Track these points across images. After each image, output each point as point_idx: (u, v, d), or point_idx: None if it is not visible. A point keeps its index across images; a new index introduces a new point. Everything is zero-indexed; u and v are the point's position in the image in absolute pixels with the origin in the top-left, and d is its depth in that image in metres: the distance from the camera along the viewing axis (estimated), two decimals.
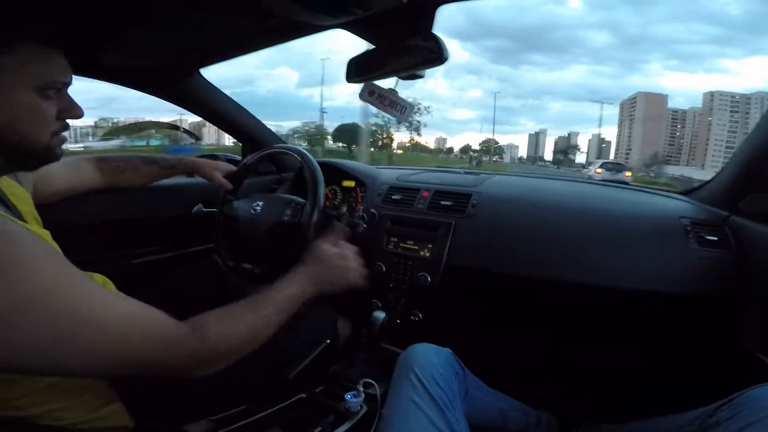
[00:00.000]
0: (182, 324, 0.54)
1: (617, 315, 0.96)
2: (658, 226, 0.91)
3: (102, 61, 1.05)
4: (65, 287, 0.44)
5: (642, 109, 77.51)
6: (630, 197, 1.08)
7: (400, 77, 0.93)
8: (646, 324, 0.96)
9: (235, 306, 0.65)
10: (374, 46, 0.89)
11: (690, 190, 1.07)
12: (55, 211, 0.81)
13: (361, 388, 0.75)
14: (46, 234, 0.65)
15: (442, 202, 1.12)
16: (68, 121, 0.58)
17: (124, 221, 1.18)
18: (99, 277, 0.74)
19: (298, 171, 1.06)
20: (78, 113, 0.59)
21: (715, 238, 0.85)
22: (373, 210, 1.17)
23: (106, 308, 0.47)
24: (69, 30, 0.74)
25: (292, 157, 1.12)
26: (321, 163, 1.17)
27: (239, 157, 1.52)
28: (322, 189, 1.03)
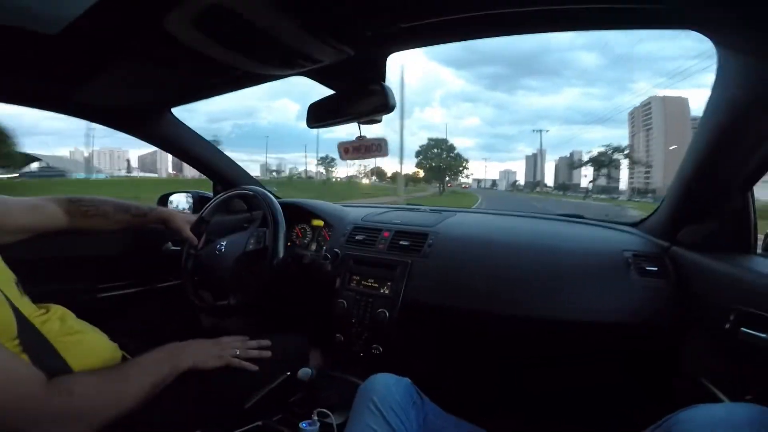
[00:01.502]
0: (47, 380, 0.58)
1: (567, 345, 0.99)
2: (602, 260, 0.95)
3: (73, 99, 1.08)
4: None
5: (660, 116, 60.60)
6: (580, 232, 1.14)
7: (358, 122, 0.98)
8: (596, 352, 0.99)
9: (106, 370, 0.71)
10: (333, 92, 0.94)
11: (638, 222, 1.12)
12: (22, 242, 0.83)
13: (316, 417, 0.76)
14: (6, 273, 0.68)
15: (401, 242, 1.15)
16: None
17: (91, 256, 1.18)
18: (57, 308, 0.75)
19: (265, 216, 1.11)
20: None
21: (655, 269, 0.89)
22: (337, 250, 1.20)
23: None
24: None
25: (258, 200, 1.16)
26: (290, 204, 1.21)
27: (210, 194, 1.54)
28: (283, 236, 1.08)
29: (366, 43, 0.74)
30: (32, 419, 0.55)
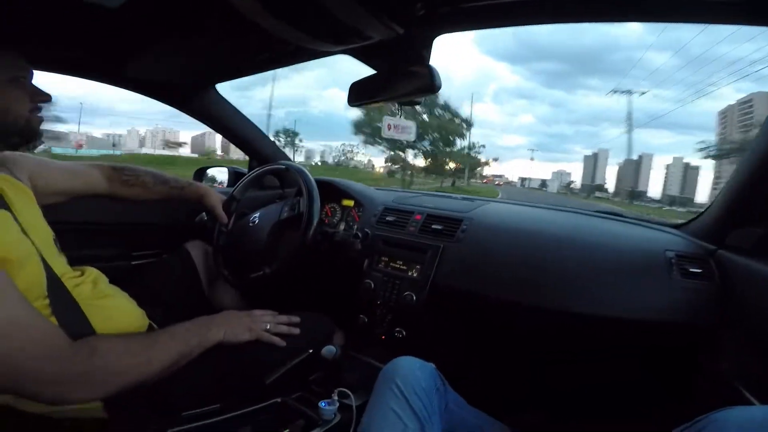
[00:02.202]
0: (72, 340, 0.58)
1: (598, 342, 0.97)
2: (642, 258, 0.93)
3: (126, 71, 1.13)
4: None
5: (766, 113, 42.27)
6: (620, 230, 1.10)
7: (399, 103, 0.99)
8: (630, 350, 0.97)
9: (134, 334, 0.72)
10: (375, 72, 0.95)
11: (681, 224, 1.09)
12: (62, 208, 0.87)
13: (336, 397, 0.76)
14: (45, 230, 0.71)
15: (433, 226, 1.15)
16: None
17: (128, 223, 1.24)
18: (92, 271, 0.79)
19: (299, 187, 1.12)
20: (46, 97, 0.74)
21: (699, 271, 0.87)
22: (367, 229, 1.20)
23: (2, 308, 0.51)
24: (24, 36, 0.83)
25: (292, 174, 1.17)
26: (323, 182, 1.23)
27: (245, 170, 1.59)
28: (317, 205, 1.08)
29: (416, 23, 0.74)
30: (53, 378, 0.54)
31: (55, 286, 0.64)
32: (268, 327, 0.83)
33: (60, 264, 0.71)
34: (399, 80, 0.90)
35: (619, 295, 0.89)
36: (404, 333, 1.05)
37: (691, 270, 0.87)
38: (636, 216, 1.23)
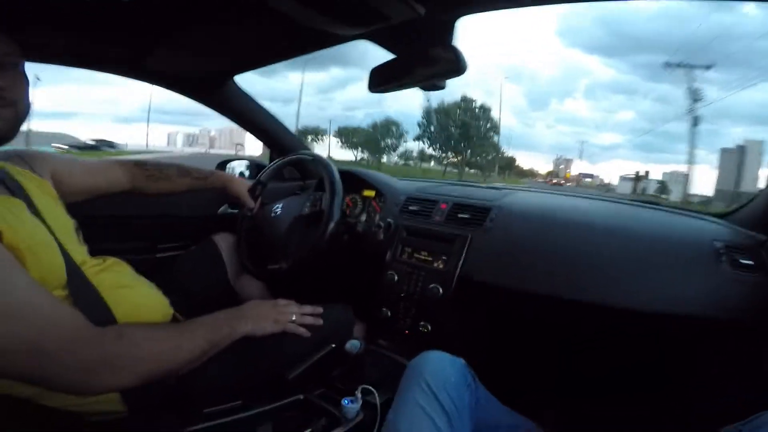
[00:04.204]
0: (97, 326, 0.56)
1: (639, 338, 0.92)
2: (689, 248, 0.87)
3: (145, 65, 1.13)
4: None
5: None
6: (661, 218, 1.04)
7: (421, 87, 0.94)
8: (672, 347, 0.92)
9: (162, 323, 0.70)
10: (396, 56, 0.91)
11: (726, 213, 1.02)
12: (86, 202, 0.87)
13: (359, 395, 0.74)
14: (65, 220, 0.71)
15: (460, 215, 1.11)
16: None
17: (151, 216, 1.25)
18: (113, 260, 0.77)
19: (321, 179, 1.10)
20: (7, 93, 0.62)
21: (751, 262, 0.80)
22: (390, 219, 1.17)
23: (14, 290, 0.49)
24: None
25: (316, 165, 1.15)
26: (343, 172, 1.20)
27: (265, 162, 1.59)
28: (339, 200, 1.05)
29: (437, 2, 0.70)
30: (78, 363, 0.52)
31: (74, 274, 0.63)
32: (294, 318, 0.81)
33: (80, 253, 0.70)
34: (421, 64, 0.86)
35: (663, 288, 0.83)
36: (429, 327, 1.02)
37: (742, 261, 0.81)
38: (676, 205, 1.15)
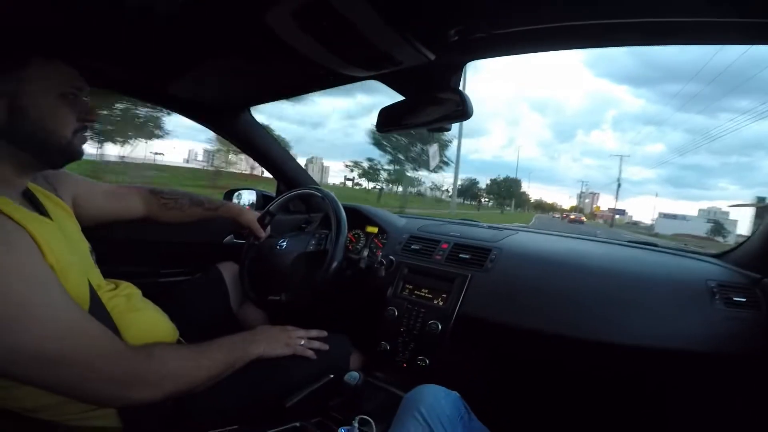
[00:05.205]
0: (129, 344, 0.60)
1: (634, 374, 0.92)
2: (681, 288, 0.90)
3: (168, 91, 1.18)
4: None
5: None
6: (656, 259, 1.07)
7: (428, 129, 0.98)
8: (670, 383, 0.91)
9: (185, 345, 0.73)
10: (404, 98, 0.95)
11: (721, 253, 1.05)
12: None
13: (356, 424, 0.72)
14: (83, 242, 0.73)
15: (461, 255, 1.13)
16: None
17: (156, 241, 1.26)
18: (126, 285, 0.79)
19: (326, 215, 1.13)
20: (94, 117, 0.69)
21: (744, 299, 0.84)
22: (392, 257, 1.19)
23: (50, 307, 0.52)
24: (81, 46, 0.84)
25: (321, 199, 1.18)
26: (347, 208, 1.23)
27: (272, 194, 1.61)
28: (344, 240, 1.08)
29: (448, 49, 0.74)
30: (113, 377, 0.56)
31: (94, 297, 0.65)
32: (302, 343, 0.86)
33: (96, 276, 0.72)
34: (429, 106, 0.90)
35: (658, 324, 0.86)
36: (427, 362, 1.02)
37: (735, 299, 0.85)
38: (671, 246, 1.18)
